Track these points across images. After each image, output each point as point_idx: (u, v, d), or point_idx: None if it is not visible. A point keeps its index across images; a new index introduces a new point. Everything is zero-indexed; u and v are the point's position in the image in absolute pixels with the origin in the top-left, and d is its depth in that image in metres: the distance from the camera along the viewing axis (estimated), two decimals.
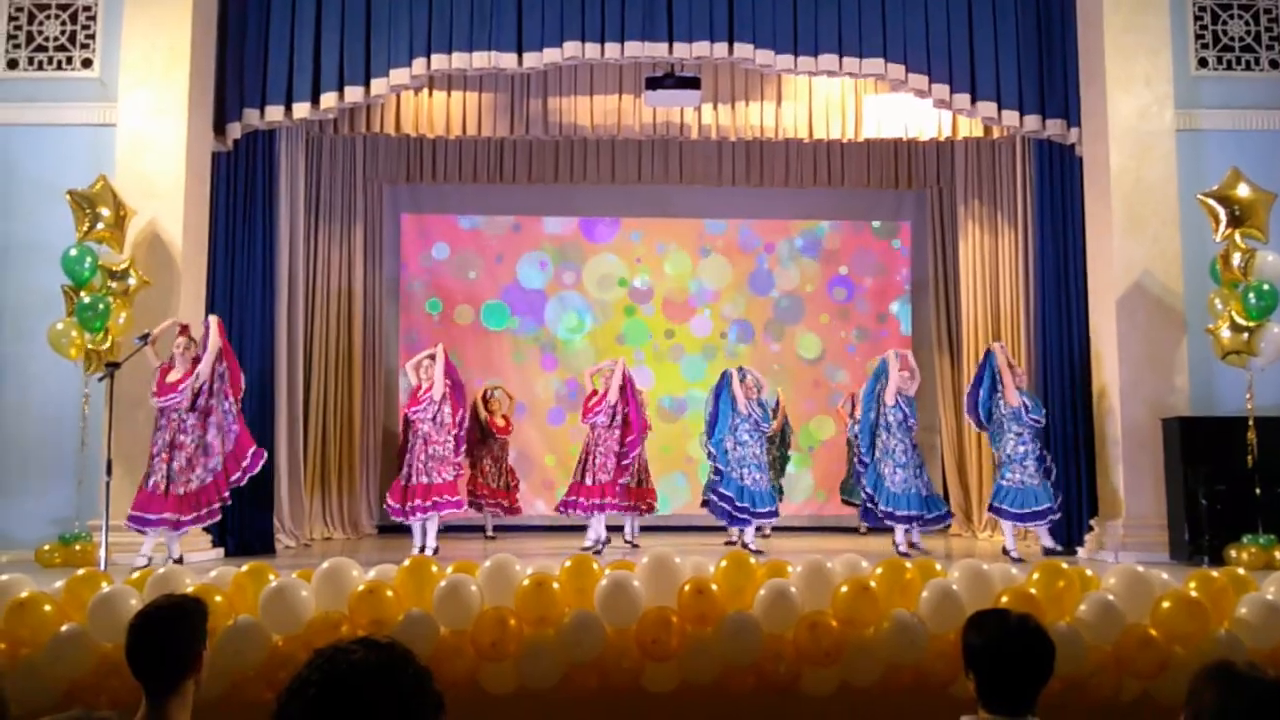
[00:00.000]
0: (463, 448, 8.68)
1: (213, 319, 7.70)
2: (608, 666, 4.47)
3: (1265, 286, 7.63)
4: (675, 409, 12.05)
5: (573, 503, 8.84)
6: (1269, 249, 7.77)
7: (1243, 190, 7.80)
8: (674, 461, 11.83)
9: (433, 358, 8.56)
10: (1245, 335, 7.70)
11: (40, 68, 8.44)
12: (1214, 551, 7.44)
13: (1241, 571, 5.05)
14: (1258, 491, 7.53)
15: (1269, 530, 7.44)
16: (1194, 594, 4.59)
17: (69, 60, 8.46)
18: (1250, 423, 7.65)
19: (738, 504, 8.61)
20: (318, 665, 1.70)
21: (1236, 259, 7.73)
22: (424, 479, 8.22)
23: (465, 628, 4.46)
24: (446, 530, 9.49)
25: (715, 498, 8.75)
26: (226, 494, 7.47)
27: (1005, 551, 8.17)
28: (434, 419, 8.33)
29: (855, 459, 9.10)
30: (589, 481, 8.78)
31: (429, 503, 8.19)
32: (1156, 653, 4.42)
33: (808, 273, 12.25)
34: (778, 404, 10.20)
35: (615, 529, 9.28)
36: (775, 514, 8.85)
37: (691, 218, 12.19)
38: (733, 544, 8.80)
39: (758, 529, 8.99)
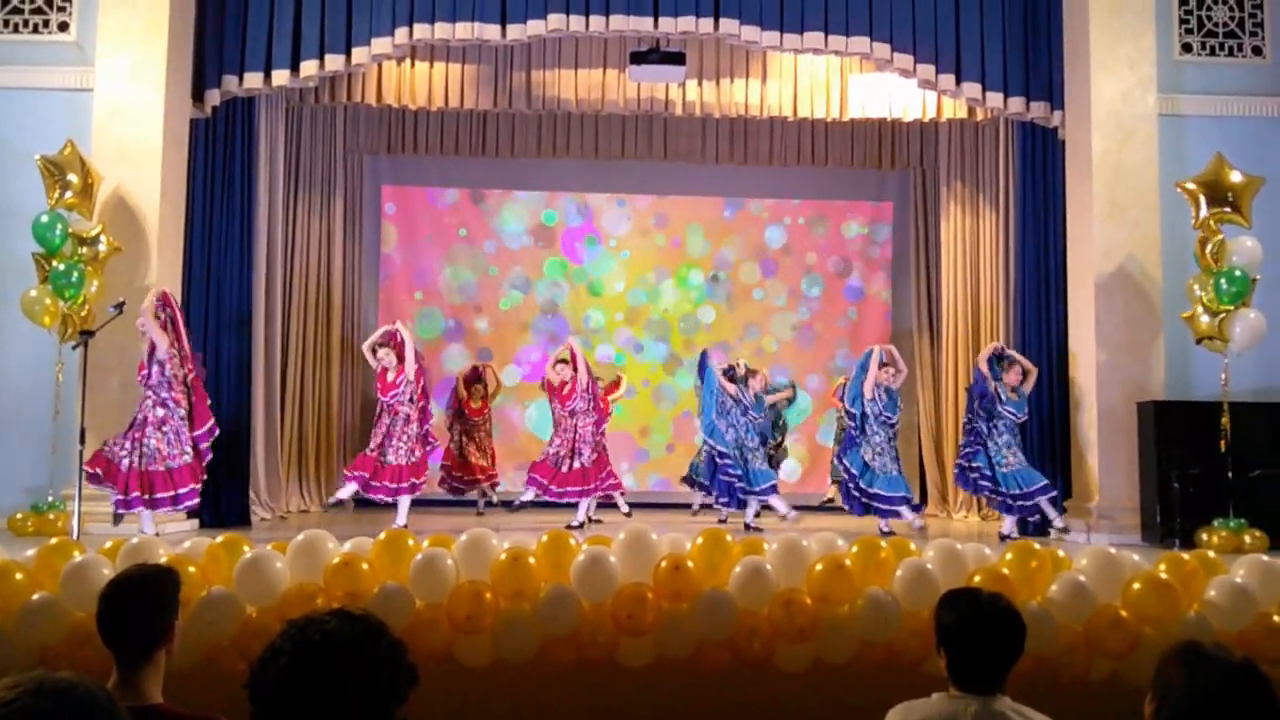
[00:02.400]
0: (429, 422, 8.56)
1: (151, 293, 7.52)
2: (583, 641, 4.49)
3: (1237, 273, 7.68)
4: (655, 388, 12.06)
5: (560, 493, 8.73)
6: (1250, 234, 7.81)
7: (1235, 176, 7.82)
8: (643, 438, 11.87)
9: (392, 337, 8.44)
10: (1217, 321, 7.75)
11: (16, 30, 8.30)
12: (1185, 535, 7.50)
13: (1211, 554, 5.10)
14: (1230, 476, 7.60)
15: (1240, 514, 7.52)
16: (1164, 576, 4.63)
17: (46, 24, 8.33)
18: (1224, 407, 7.72)
19: (741, 482, 8.76)
20: (290, 635, 1.69)
21: (1210, 245, 7.78)
22: (405, 459, 8.16)
23: (441, 601, 4.46)
24: (439, 505, 9.49)
25: (725, 477, 8.84)
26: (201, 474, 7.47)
27: (1002, 536, 8.23)
28: (411, 399, 8.26)
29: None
30: (574, 467, 8.73)
31: (406, 484, 8.15)
32: (1126, 633, 4.46)
33: (789, 252, 12.24)
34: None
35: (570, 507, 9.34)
36: (774, 490, 8.93)
37: (674, 194, 12.16)
38: (723, 523, 8.87)
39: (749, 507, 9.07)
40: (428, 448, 8.41)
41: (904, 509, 8.43)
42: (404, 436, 8.19)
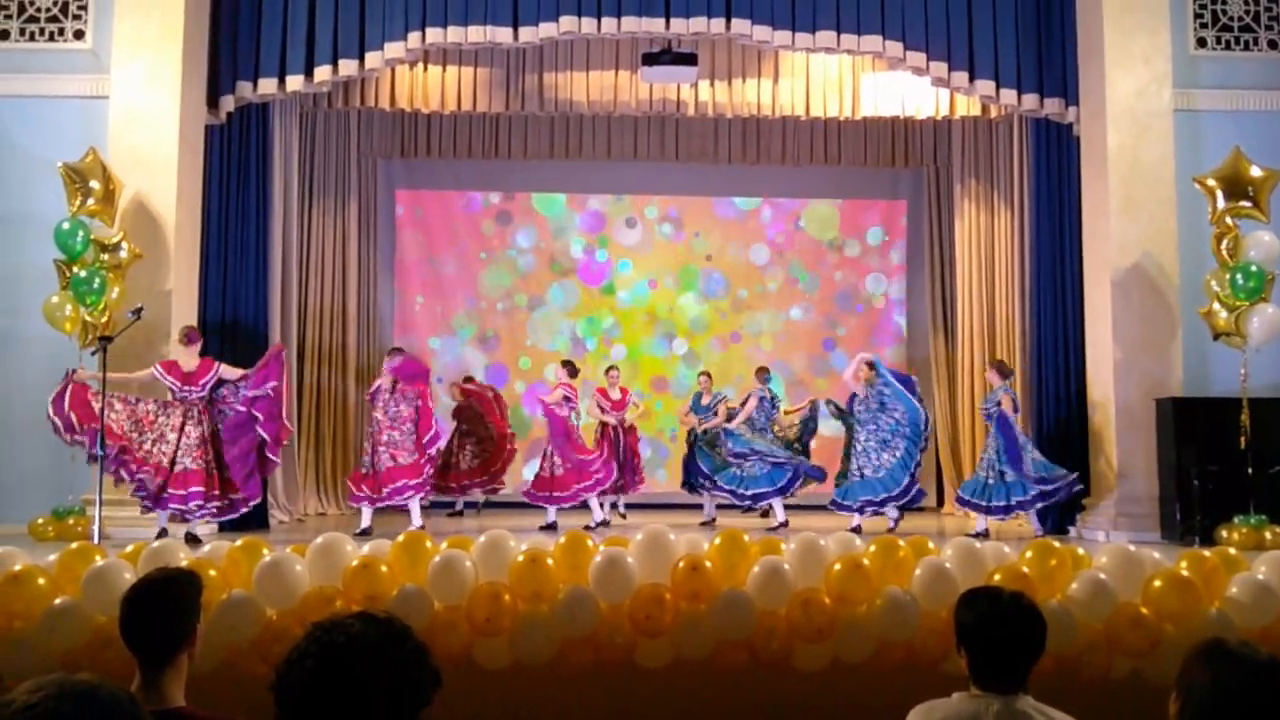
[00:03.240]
0: (429, 435, 8.54)
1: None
2: (601, 642, 4.49)
3: (1253, 268, 7.63)
4: (663, 386, 12.06)
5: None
6: (1268, 229, 7.76)
7: (1254, 171, 7.78)
8: (660, 435, 11.86)
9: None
10: (1234, 316, 7.70)
11: (32, 39, 8.36)
12: (1205, 532, 7.46)
13: (1233, 551, 5.07)
14: (1250, 472, 7.55)
15: (1260, 511, 7.46)
16: (1185, 573, 4.61)
17: (61, 31, 8.39)
18: (1244, 403, 7.66)
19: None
20: (316, 638, 1.69)
21: (1226, 240, 7.74)
22: (385, 465, 8.28)
23: (459, 603, 4.47)
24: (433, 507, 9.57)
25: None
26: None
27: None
28: (384, 408, 8.42)
29: None
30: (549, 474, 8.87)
31: (384, 491, 8.25)
32: (1147, 631, 4.44)
33: (802, 251, 12.23)
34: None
35: (519, 507, 9.39)
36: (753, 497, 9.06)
37: (687, 195, 12.16)
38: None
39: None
40: (418, 455, 8.40)
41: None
42: (380, 443, 8.32)
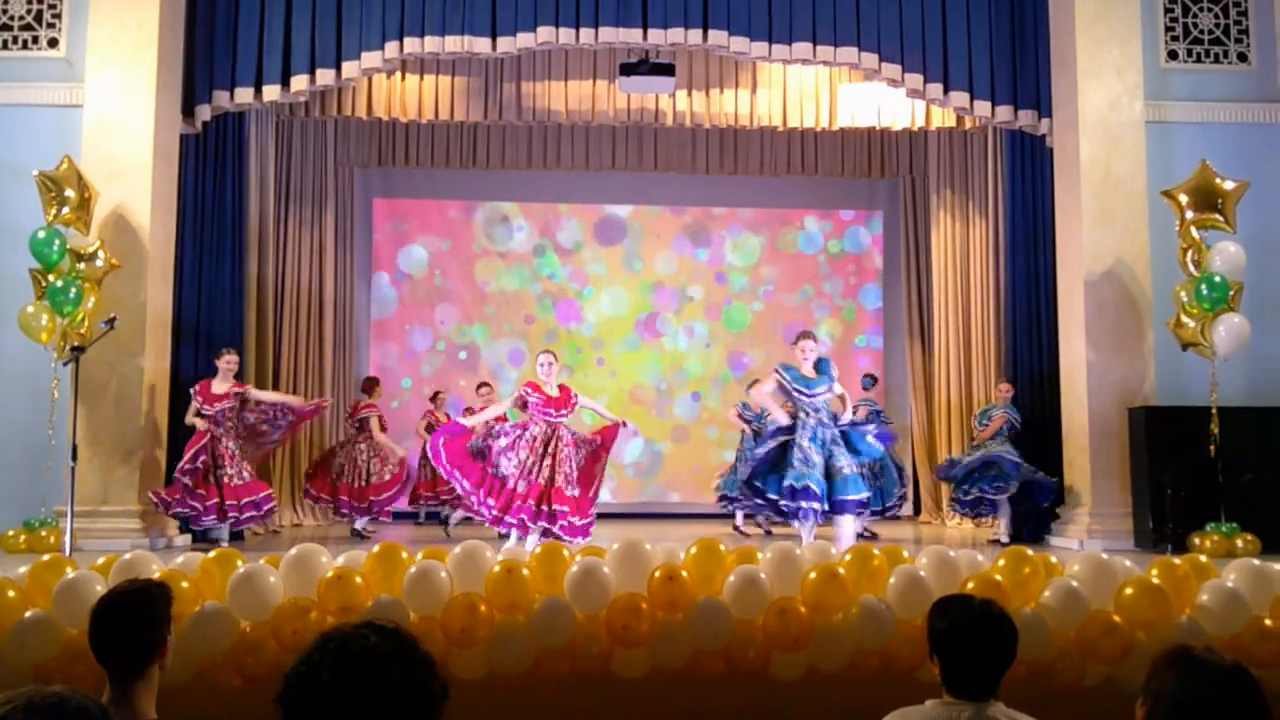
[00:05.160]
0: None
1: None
2: (578, 652, 4.48)
3: (1216, 278, 7.72)
4: (646, 399, 12.07)
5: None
6: (1234, 240, 7.85)
7: (1225, 184, 7.85)
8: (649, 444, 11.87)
9: None
10: (1200, 326, 7.78)
11: (5, 47, 8.30)
12: (1177, 540, 7.53)
13: (1203, 559, 5.11)
14: (1221, 480, 7.63)
15: (1231, 519, 7.54)
16: (1156, 581, 4.64)
17: (35, 40, 8.33)
18: (1213, 413, 7.74)
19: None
20: (330, 650, 1.64)
21: (1191, 252, 7.83)
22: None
23: (435, 614, 4.45)
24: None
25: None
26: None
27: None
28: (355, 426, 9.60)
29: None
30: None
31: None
32: (1119, 638, 4.46)
33: (780, 261, 12.28)
34: None
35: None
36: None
37: (665, 205, 12.19)
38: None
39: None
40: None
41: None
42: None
